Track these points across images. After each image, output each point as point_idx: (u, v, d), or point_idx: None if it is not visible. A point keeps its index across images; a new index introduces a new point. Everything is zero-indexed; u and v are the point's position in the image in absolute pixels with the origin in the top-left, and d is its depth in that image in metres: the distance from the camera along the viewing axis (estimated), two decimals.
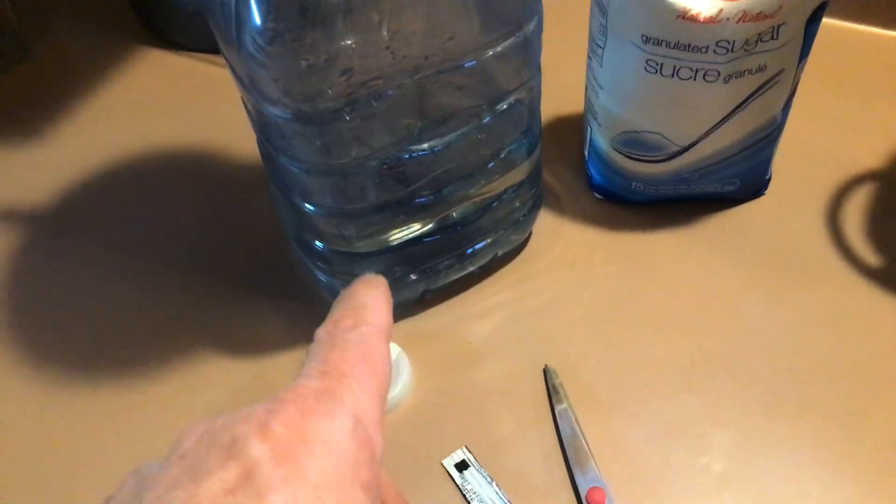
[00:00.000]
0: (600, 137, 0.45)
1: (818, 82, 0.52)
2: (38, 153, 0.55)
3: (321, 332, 0.24)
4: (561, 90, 0.51)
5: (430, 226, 0.40)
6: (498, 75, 0.36)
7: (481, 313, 0.44)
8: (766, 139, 0.44)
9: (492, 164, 0.39)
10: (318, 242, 0.41)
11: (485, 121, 0.37)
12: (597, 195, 0.48)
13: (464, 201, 0.40)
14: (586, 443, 0.37)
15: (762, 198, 0.48)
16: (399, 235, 0.40)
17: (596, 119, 0.45)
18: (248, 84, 0.33)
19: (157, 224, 0.50)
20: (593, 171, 0.48)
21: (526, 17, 0.35)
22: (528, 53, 0.36)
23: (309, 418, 0.20)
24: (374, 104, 0.33)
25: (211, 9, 0.32)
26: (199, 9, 0.32)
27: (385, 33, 0.31)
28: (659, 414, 0.39)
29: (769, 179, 0.48)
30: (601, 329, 0.42)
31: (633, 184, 0.46)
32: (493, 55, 0.34)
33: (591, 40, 0.43)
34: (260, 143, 0.40)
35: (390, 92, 0.33)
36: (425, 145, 0.36)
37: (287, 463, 0.18)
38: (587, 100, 0.46)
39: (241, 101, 0.38)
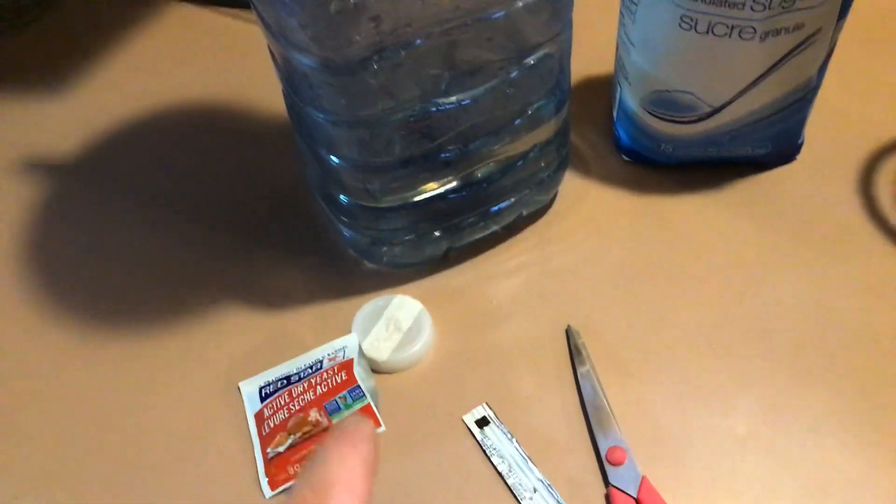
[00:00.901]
0: (630, 97, 0.45)
1: (854, 46, 0.50)
2: (65, 105, 0.55)
3: None
4: (591, 51, 0.50)
5: (454, 182, 0.39)
6: (527, 28, 0.35)
7: (505, 273, 0.43)
8: (801, 101, 0.43)
9: (519, 120, 0.38)
10: (342, 196, 0.40)
11: (513, 75, 0.36)
12: (624, 157, 0.48)
13: (489, 158, 0.39)
14: (608, 403, 0.37)
15: (794, 163, 0.47)
16: (423, 191, 0.39)
17: (626, 78, 0.44)
18: (276, 32, 0.33)
19: (184, 177, 0.50)
20: (622, 133, 0.47)
21: None
22: (559, 6, 0.36)
23: None
24: (402, 54, 0.32)
25: None
26: None
27: None
28: (682, 376, 0.38)
29: (801, 144, 0.47)
30: (626, 291, 0.42)
31: (663, 146, 0.45)
32: (523, 6, 0.33)
33: None
34: (286, 96, 0.39)
35: (419, 41, 0.32)
36: (452, 98, 0.35)
37: None
38: (618, 59, 0.45)
39: (268, 56, 0.37)
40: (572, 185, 0.47)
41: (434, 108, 0.35)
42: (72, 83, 0.57)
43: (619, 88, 0.46)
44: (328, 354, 0.39)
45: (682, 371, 0.39)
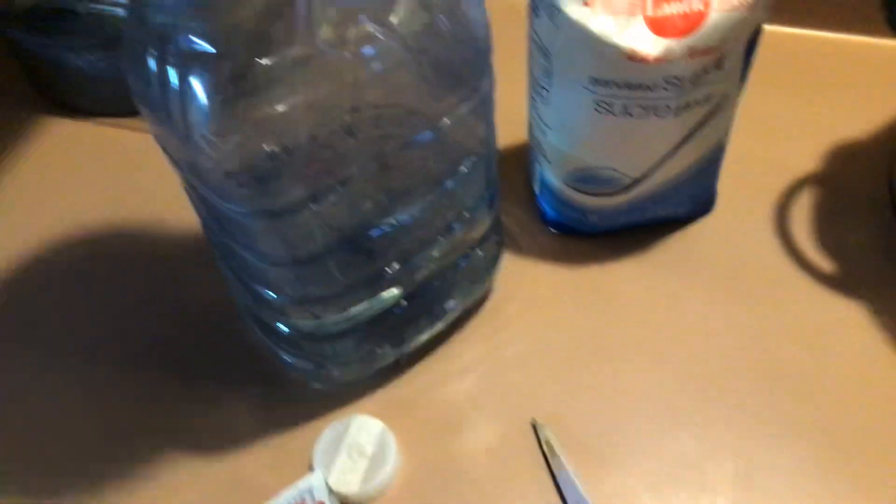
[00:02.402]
0: (552, 175, 0.45)
1: (750, 91, 0.52)
2: None
3: None
4: (499, 124, 0.50)
5: (399, 295, 0.38)
6: (457, 137, 0.34)
7: (458, 371, 0.42)
8: (715, 161, 0.44)
9: (456, 224, 0.38)
10: (281, 325, 0.38)
11: (447, 183, 0.35)
12: (552, 230, 0.48)
13: (431, 265, 0.38)
14: (587, 497, 0.37)
15: (711, 214, 0.48)
16: (369, 310, 0.38)
17: (546, 157, 0.44)
18: (197, 180, 0.31)
19: (95, 315, 0.46)
20: (546, 207, 0.47)
21: (478, 76, 0.33)
22: (483, 110, 0.35)
23: None
24: (339, 190, 0.31)
25: (149, 101, 0.29)
26: (139, 102, 0.29)
27: (346, 118, 0.29)
28: (654, 456, 0.39)
29: (716, 196, 0.48)
30: (581, 372, 0.42)
31: (589, 216, 0.46)
32: (452, 120, 0.33)
33: (534, 82, 0.42)
34: (209, 229, 0.37)
35: (354, 174, 0.31)
36: (392, 219, 0.34)
37: None
38: (534, 138, 0.46)
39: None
40: (507, 267, 0.46)
41: (375, 231, 0.34)
42: None
43: (538, 167, 0.46)
44: (295, 500, 0.36)
45: (654, 450, 0.39)
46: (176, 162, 0.32)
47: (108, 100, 0.56)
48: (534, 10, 0.39)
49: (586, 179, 0.43)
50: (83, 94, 0.56)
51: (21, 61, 0.58)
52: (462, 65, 0.32)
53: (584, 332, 0.44)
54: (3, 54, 0.59)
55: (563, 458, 0.38)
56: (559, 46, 0.38)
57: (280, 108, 0.28)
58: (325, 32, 0.27)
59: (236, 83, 0.27)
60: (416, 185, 0.34)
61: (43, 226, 0.51)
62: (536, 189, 0.48)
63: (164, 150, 0.33)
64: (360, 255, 0.35)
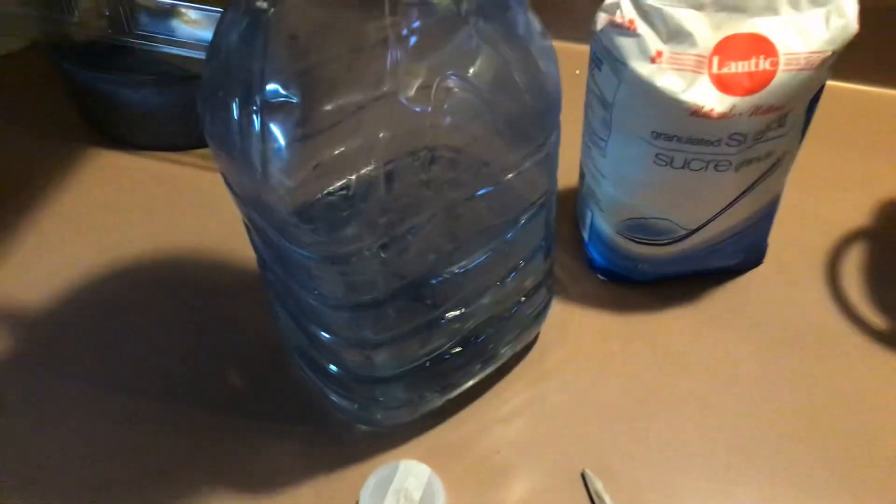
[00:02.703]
0: (603, 222, 0.45)
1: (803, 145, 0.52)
2: None
3: None
4: None
5: (453, 341, 0.38)
6: (522, 189, 0.35)
7: (505, 417, 0.42)
8: (769, 214, 0.44)
9: (514, 273, 0.38)
10: (332, 367, 0.38)
11: (509, 234, 0.35)
12: (600, 277, 0.48)
13: (487, 313, 0.38)
14: None
15: (761, 266, 0.48)
16: (424, 355, 0.38)
17: (598, 205, 0.44)
18: (265, 222, 0.31)
19: (139, 349, 0.46)
20: (595, 254, 0.47)
21: (548, 130, 0.34)
22: (548, 163, 0.35)
23: None
24: (408, 238, 0.31)
25: (227, 144, 0.30)
26: (223, 160, 0.30)
27: (421, 166, 0.29)
28: None
29: (766, 247, 0.48)
30: (629, 422, 0.41)
31: (640, 265, 0.46)
32: (519, 173, 0.33)
33: (591, 131, 0.42)
34: (266, 270, 0.37)
35: (423, 223, 0.31)
36: (454, 268, 0.34)
37: None
38: (586, 186, 0.46)
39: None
40: (554, 313, 0.46)
41: (437, 279, 0.34)
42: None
43: (589, 213, 0.46)
44: None
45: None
46: (244, 202, 0.33)
47: (162, 134, 0.56)
48: (595, 62, 0.40)
49: (640, 229, 0.43)
50: (137, 128, 0.57)
51: (75, 95, 0.59)
52: (534, 118, 0.32)
53: (632, 380, 0.43)
54: (58, 88, 0.60)
55: None
56: (621, 99, 0.38)
57: (357, 154, 0.28)
58: (408, 85, 0.27)
59: (316, 129, 0.28)
60: (479, 235, 0.34)
61: (93, 257, 0.51)
62: (585, 236, 0.48)
63: (231, 189, 0.33)
64: (418, 301, 0.35)
